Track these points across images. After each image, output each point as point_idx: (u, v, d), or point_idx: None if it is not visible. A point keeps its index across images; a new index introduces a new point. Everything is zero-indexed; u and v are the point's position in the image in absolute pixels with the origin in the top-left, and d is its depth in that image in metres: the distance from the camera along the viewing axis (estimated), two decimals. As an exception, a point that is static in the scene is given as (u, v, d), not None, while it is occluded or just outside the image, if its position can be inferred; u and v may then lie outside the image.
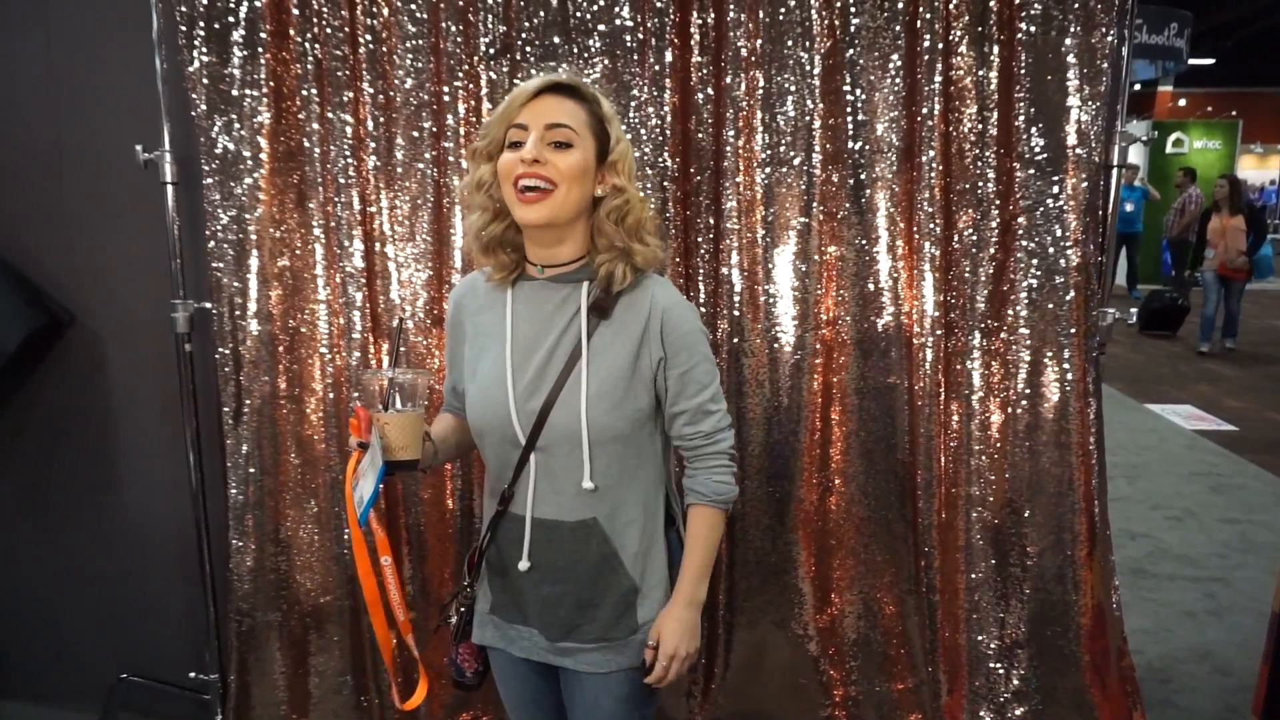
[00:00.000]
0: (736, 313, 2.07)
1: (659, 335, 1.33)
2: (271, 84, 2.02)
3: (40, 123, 2.21)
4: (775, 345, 2.09)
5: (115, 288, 2.28)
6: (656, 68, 1.97)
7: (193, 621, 2.35)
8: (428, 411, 1.36)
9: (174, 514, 2.32)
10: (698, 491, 1.37)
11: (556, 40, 1.99)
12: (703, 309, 2.09)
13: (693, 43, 1.98)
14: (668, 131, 2.00)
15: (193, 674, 2.34)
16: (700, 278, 2.08)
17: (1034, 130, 1.94)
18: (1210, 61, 13.60)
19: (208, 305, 2.12)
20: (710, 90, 2.00)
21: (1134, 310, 2.19)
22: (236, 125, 2.03)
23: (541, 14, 1.97)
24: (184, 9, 1.98)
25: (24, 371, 2.33)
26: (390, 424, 1.27)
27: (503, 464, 1.37)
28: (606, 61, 1.98)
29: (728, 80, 1.97)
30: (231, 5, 1.98)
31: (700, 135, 2.02)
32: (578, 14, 1.97)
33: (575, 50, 1.99)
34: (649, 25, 1.95)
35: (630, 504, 1.36)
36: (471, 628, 1.48)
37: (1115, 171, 1.97)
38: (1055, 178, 1.95)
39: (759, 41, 1.96)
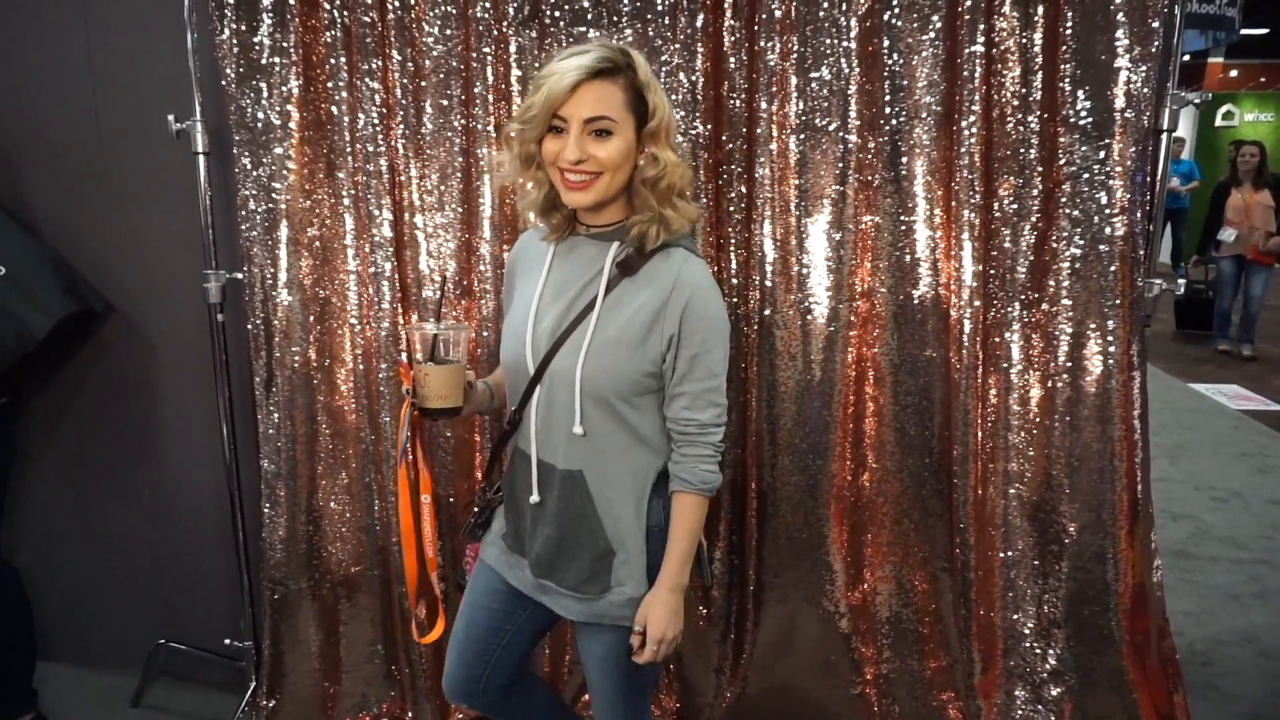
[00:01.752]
0: (769, 283, 2.03)
1: (679, 313, 1.34)
2: (300, 51, 2.01)
3: (80, 101, 2.22)
4: (808, 317, 2.05)
5: (152, 260, 2.30)
6: (688, 32, 1.93)
7: (228, 589, 2.39)
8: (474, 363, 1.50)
9: (210, 483, 2.34)
10: (684, 479, 1.40)
11: (586, 4, 1.95)
12: (734, 279, 2.06)
13: (725, 6, 1.93)
14: (699, 97, 1.96)
15: (228, 641, 2.38)
16: (731, 247, 2.05)
17: (1080, 93, 1.87)
18: (1264, 31, 13.11)
19: (239, 275, 2.13)
20: (743, 55, 1.95)
21: (1181, 282, 2.11)
22: (266, 94, 2.02)
23: (571, -22, 1.94)
24: (214, -23, 1.97)
25: (64, 348, 2.35)
26: (430, 374, 1.39)
27: (515, 391, 1.46)
28: (637, 25, 1.94)
29: (761, 44, 1.92)
30: (260, -28, 1.97)
31: (732, 101, 1.98)
32: (608, -23, 1.93)
33: (604, 15, 1.95)
34: (680, -13, 1.91)
35: (620, 469, 1.40)
36: (482, 532, 1.60)
37: (1165, 136, 1.90)
38: (1102, 142, 1.88)
39: (794, 4, 1.91)
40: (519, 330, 1.42)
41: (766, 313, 2.04)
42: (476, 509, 1.60)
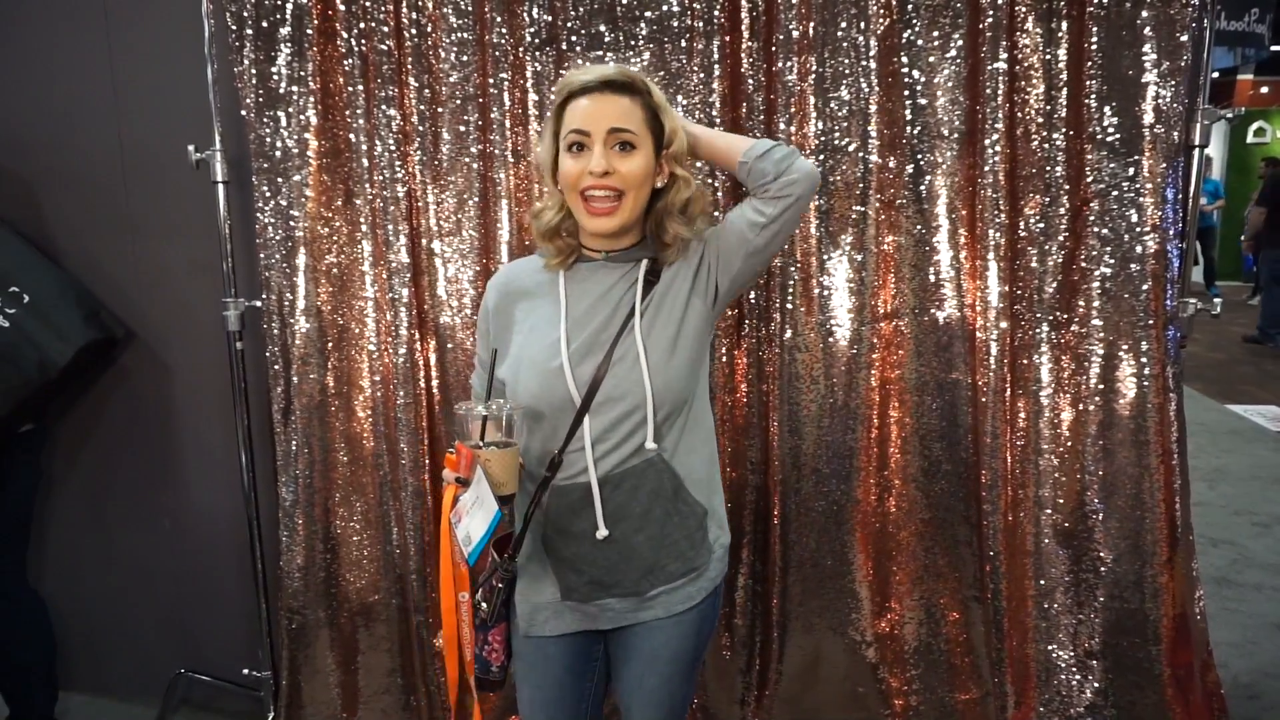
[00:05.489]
0: (790, 306, 2.00)
1: (697, 252, 1.37)
2: (318, 80, 2.02)
3: (103, 132, 2.26)
4: (831, 339, 2.01)
5: (172, 288, 2.31)
6: (705, 54, 1.91)
7: (248, 618, 2.37)
8: None
9: (230, 512, 2.34)
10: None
11: (603, 29, 1.94)
12: (755, 303, 2.03)
13: (742, 27, 1.92)
14: (717, 120, 1.94)
15: (246, 670, 2.36)
16: (751, 270, 2.02)
17: (1107, 109, 1.83)
18: (1294, 47, 12.91)
19: (258, 303, 2.13)
20: (761, 76, 1.94)
21: (1218, 301, 2.04)
22: (285, 123, 2.03)
23: (587, 2, 1.93)
24: (234, 9, 1.99)
25: (83, 380, 2.37)
26: (492, 460, 1.26)
27: (552, 431, 1.34)
28: (653, 48, 1.93)
29: (779, 65, 1.91)
30: (279, 2, 1.98)
31: (751, 123, 1.95)
32: (624, 1, 1.92)
33: (621, 39, 1.94)
34: (696, 10, 1.90)
35: (691, 437, 1.37)
36: (508, 610, 1.43)
37: (1197, 152, 1.85)
38: (1130, 159, 1.84)
39: (811, 24, 1.89)
40: (548, 364, 1.32)
41: (788, 335, 2.01)
42: (500, 584, 1.39)
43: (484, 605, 1.41)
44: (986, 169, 1.89)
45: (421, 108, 2.01)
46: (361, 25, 1.99)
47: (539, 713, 1.45)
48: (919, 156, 1.93)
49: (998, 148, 1.87)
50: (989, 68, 1.85)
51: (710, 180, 1.95)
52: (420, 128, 2.02)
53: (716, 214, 1.96)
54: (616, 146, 1.26)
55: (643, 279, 1.34)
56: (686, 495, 1.37)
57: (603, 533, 1.33)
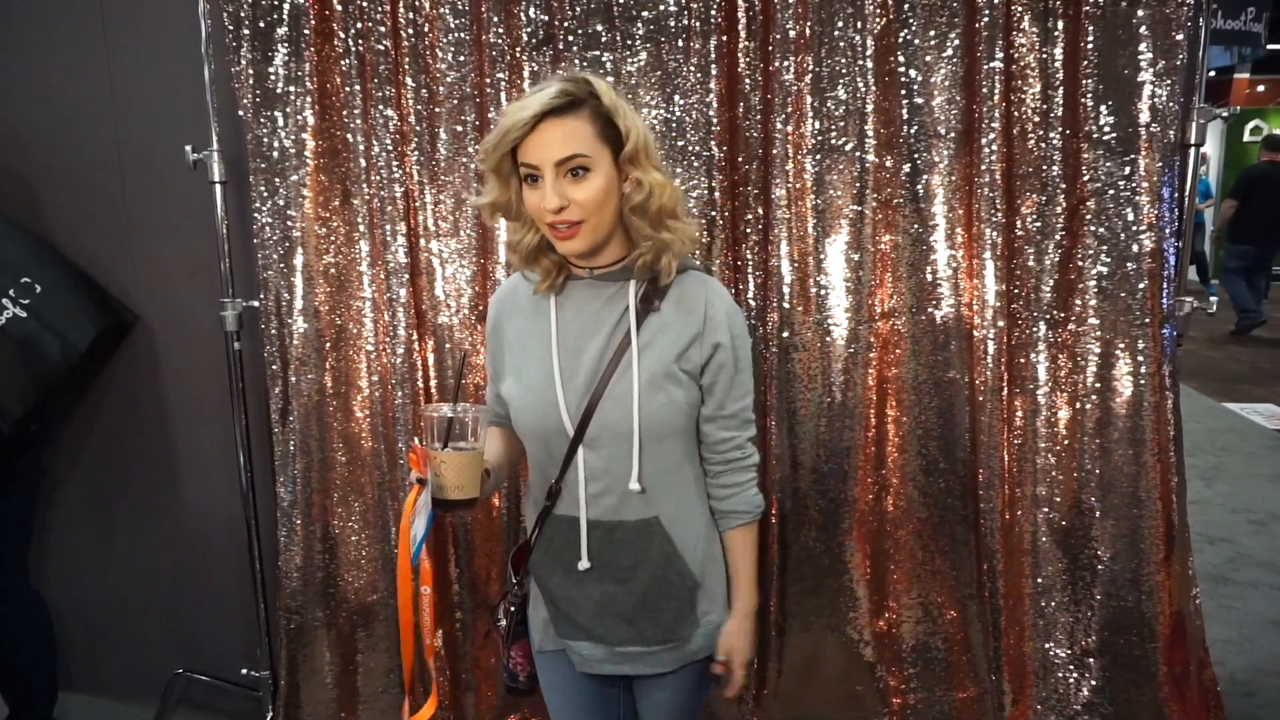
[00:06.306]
0: (787, 305, 2.00)
1: (716, 338, 1.30)
2: (315, 80, 2.02)
3: (101, 132, 2.26)
4: (828, 339, 2.01)
5: (172, 289, 2.32)
6: (702, 53, 1.91)
7: (246, 618, 2.37)
8: None
9: (228, 512, 2.34)
10: (739, 512, 1.38)
11: (599, 28, 1.94)
12: (752, 301, 2.03)
13: (739, 27, 1.92)
14: (714, 119, 1.94)
15: (245, 670, 2.36)
16: (749, 269, 2.02)
17: (1103, 109, 1.83)
18: (1291, 45, 12.92)
19: (255, 304, 2.13)
20: (758, 76, 1.94)
21: (1214, 300, 2.04)
22: (282, 123, 2.03)
23: (584, 2, 1.93)
24: (230, 9, 1.99)
25: (92, 371, 2.39)
26: (447, 463, 1.23)
27: (550, 459, 1.33)
28: (650, 48, 1.93)
29: (776, 65, 1.91)
30: (276, 2, 1.98)
31: (748, 123, 1.96)
32: (621, 1, 1.92)
33: (618, 38, 1.94)
34: (694, 9, 1.90)
35: (688, 499, 1.35)
36: (525, 628, 1.46)
37: (1193, 150, 1.85)
38: (1127, 158, 1.84)
39: (808, 24, 1.89)
40: (544, 393, 1.30)
41: (785, 335, 2.01)
42: (512, 608, 1.45)
43: (502, 623, 1.46)
44: (983, 168, 1.89)
45: (419, 108, 2.01)
46: (359, 25, 1.98)
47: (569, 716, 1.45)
48: (916, 156, 1.93)
49: (994, 147, 1.88)
50: (985, 67, 1.85)
51: (708, 179, 1.96)
52: (418, 128, 2.02)
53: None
54: (568, 174, 1.20)
55: (634, 305, 1.28)
56: (681, 566, 1.33)
57: (584, 565, 1.32)
